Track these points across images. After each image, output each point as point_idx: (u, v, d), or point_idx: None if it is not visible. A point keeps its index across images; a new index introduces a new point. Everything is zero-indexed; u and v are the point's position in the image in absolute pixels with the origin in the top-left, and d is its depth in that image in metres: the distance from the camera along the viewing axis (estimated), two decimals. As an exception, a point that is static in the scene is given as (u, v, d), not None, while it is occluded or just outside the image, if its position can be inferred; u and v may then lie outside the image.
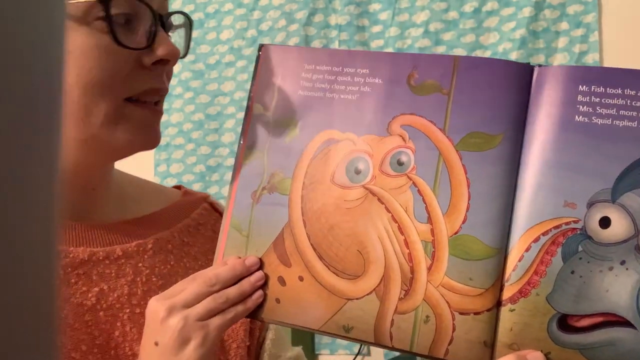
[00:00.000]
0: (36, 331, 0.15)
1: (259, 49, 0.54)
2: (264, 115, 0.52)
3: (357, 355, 1.49)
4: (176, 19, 0.55)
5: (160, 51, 0.50)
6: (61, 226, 0.16)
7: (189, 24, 0.56)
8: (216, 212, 0.64)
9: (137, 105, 0.50)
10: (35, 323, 0.15)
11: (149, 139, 0.52)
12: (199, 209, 0.62)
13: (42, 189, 0.16)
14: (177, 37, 0.55)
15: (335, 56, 0.51)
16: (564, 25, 1.45)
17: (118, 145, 0.51)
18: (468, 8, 1.48)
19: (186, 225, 0.60)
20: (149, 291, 0.54)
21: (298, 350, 0.65)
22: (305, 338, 1.48)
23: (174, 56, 0.51)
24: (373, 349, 1.51)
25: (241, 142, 0.53)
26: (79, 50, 0.47)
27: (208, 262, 0.59)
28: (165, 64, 0.51)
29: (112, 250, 0.53)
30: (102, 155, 0.53)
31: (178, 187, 0.66)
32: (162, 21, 0.51)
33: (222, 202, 1.69)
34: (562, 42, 1.45)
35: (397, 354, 1.44)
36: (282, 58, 0.53)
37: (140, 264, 0.54)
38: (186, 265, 0.58)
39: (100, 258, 0.52)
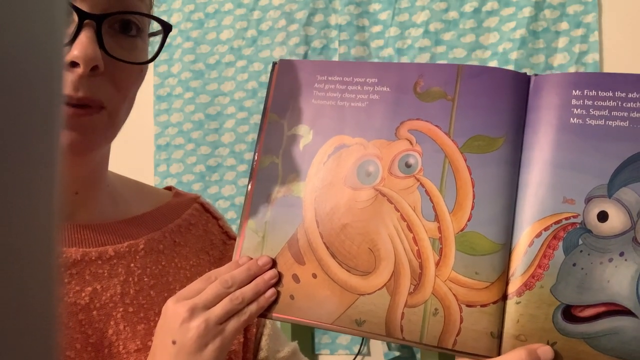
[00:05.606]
0: (35, 331, 0.15)
1: (274, 64, 0.56)
2: (279, 123, 0.54)
3: (357, 355, 1.47)
4: (156, 26, 0.53)
5: (72, 52, 0.46)
6: (60, 227, 0.16)
7: (164, 30, 0.53)
8: (207, 212, 0.64)
9: (68, 108, 0.47)
10: (35, 323, 0.15)
11: (69, 143, 0.48)
12: (190, 210, 0.62)
13: (42, 190, 0.15)
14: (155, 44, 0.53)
15: (345, 67, 0.54)
16: (564, 25, 1.44)
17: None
18: (468, 8, 1.47)
19: (177, 226, 0.60)
20: (141, 291, 0.55)
21: (294, 345, 0.66)
22: (304, 338, 1.45)
23: (82, 59, 0.45)
24: (373, 349, 1.49)
25: (257, 148, 0.55)
26: None
27: (199, 262, 0.60)
28: (74, 67, 0.46)
29: (104, 250, 0.53)
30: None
31: (169, 189, 0.66)
32: (124, 22, 0.48)
33: (222, 202, 1.67)
34: (562, 42, 1.44)
35: (397, 354, 1.43)
36: (297, 71, 0.55)
37: (132, 264, 0.55)
38: (177, 265, 0.58)
39: (93, 258, 0.53)
